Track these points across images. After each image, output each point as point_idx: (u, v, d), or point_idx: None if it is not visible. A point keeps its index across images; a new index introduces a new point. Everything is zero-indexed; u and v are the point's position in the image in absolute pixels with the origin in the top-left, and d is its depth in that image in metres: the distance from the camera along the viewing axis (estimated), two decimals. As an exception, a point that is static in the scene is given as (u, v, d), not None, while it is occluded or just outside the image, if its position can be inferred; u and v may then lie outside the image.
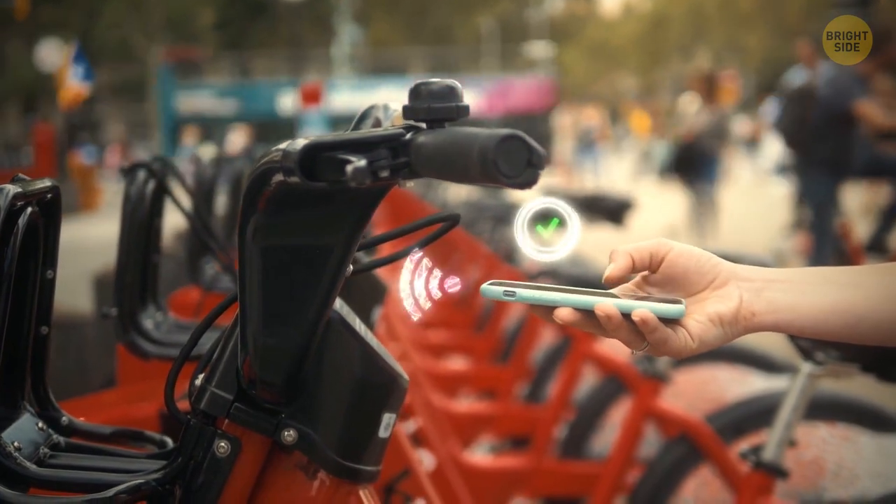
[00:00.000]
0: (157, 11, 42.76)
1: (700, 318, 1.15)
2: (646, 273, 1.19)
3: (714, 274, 1.17)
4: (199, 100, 37.29)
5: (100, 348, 5.04)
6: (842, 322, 1.14)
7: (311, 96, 23.24)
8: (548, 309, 1.16)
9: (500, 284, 1.17)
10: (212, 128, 31.81)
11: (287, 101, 34.26)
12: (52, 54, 22.79)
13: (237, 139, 23.36)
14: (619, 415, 3.51)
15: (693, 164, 11.30)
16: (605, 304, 1.13)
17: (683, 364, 3.40)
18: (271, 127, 33.18)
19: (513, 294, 1.16)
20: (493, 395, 4.74)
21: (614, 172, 28.78)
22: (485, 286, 1.17)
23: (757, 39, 46.59)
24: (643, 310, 1.12)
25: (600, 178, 25.54)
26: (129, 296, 2.11)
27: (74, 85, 21.18)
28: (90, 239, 10.44)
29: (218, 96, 38.09)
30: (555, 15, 58.69)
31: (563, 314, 1.14)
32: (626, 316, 1.13)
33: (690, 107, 13.82)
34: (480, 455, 4.33)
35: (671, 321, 1.14)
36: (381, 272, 2.21)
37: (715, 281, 1.17)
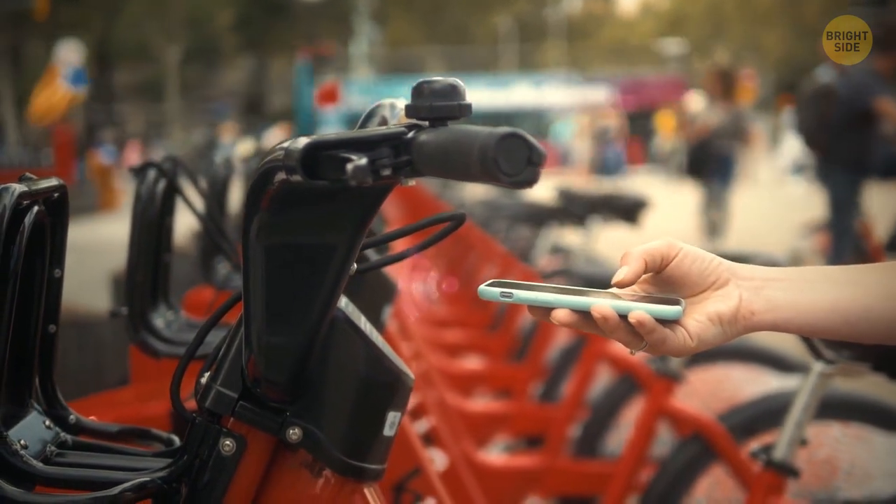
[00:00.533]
0: (175, 12, 42.87)
1: (699, 317, 1.14)
2: (648, 274, 1.19)
3: (716, 275, 1.16)
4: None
5: (117, 347, 5.06)
6: (841, 320, 1.13)
7: (328, 96, 23.25)
8: (546, 310, 1.15)
9: (498, 285, 1.17)
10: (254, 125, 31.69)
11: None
12: (71, 54, 22.70)
13: (275, 137, 23.33)
14: (633, 414, 3.51)
15: (707, 164, 11.11)
16: (601, 306, 1.12)
17: (697, 363, 3.40)
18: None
19: (510, 295, 1.16)
20: (509, 394, 4.75)
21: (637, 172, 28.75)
22: (482, 287, 1.17)
23: (775, 38, 46.45)
24: (640, 311, 1.11)
25: (617, 179, 25.49)
26: (140, 295, 2.12)
27: (67, 89, 20.32)
28: (108, 238, 10.46)
29: (358, 93, 38.06)
30: (573, 14, 58.64)
31: (560, 315, 1.14)
32: (624, 317, 1.13)
33: (695, 105, 13.71)
34: (494, 454, 4.33)
35: (669, 321, 1.13)
36: (395, 272, 2.21)
37: (716, 282, 1.16)
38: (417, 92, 1.11)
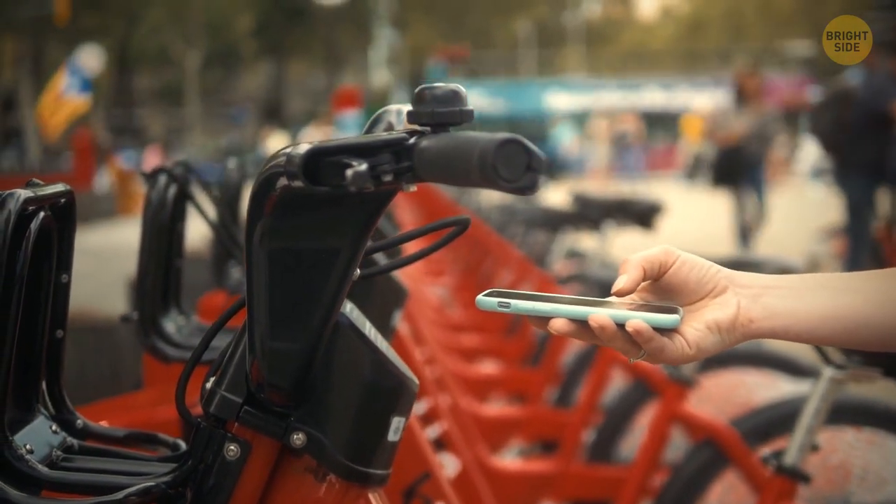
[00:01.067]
0: (195, 17, 43.02)
1: (697, 325, 1.14)
2: (647, 282, 1.19)
3: (714, 283, 1.16)
4: (470, 99, 37.36)
5: (134, 351, 5.08)
6: (840, 327, 1.13)
7: (348, 100, 23.27)
8: (544, 319, 1.15)
9: (496, 295, 1.16)
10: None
11: (554, 101, 34.46)
12: (92, 60, 22.60)
13: (313, 136, 23.05)
14: (646, 419, 3.50)
15: (737, 171, 10.70)
16: (598, 316, 1.12)
17: (711, 368, 3.39)
18: (535, 126, 33.53)
19: (507, 305, 1.15)
20: (524, 398, 4.75)
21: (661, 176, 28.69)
22: (480, 297, 1.17)
23: (796, 41, 46.25)
24: (637, 321, 1.11)
25: (637, 183, 25.41)
26: (151, 300, 2.12)
27: (71, 98, 19.77)
28: (128, 243, 10.50)
29: (489, 95, 38.06)
30: (592, 19, 58.55)
31: (558, 325, 1.14)
32: (621, 326, 1.12)
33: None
34: (509, 459, 4.33)
35: (667, 329, 1.13)
36: (407, 277, 2.21)
37: (714, 290, 1.16)
38: (419, 98, 1.11)
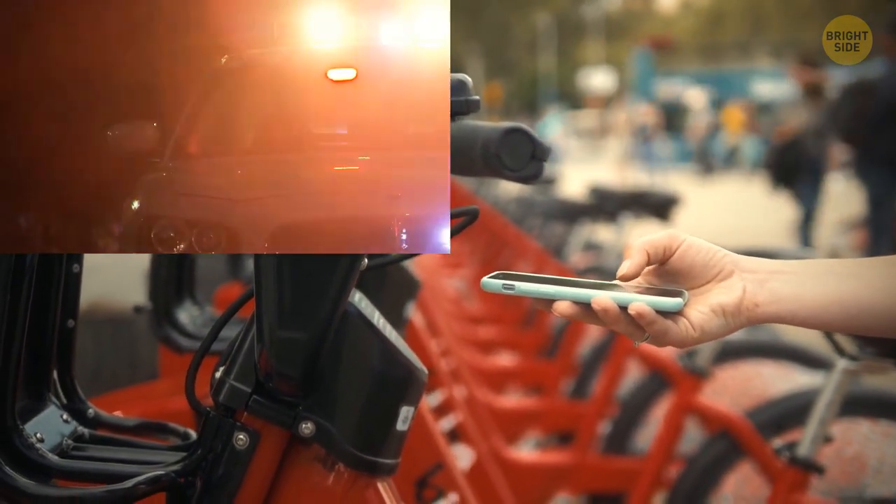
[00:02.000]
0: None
1: (702, 308, 1.14)
2: (652, 266, 1.19)
3: (720, 267, 1.16)
4: (676, 86, 36.91)
5: (151, 342, 5.08)
6: (844, 313, 1.13)
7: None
8: (549, 302, 1.15)
9: (501, 277, 1.16)
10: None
11: (762, 89, 34.28)
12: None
13: None
14: (662, 411, 3.50)
15: (795, 167, 9.71)
16: (601, 298, 1.12)
17: (727, 360, 3.38)
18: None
19: (511, 287, 1.15)
20: (540, 390, 4.75)
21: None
22: (485, 279, 1.16)
23: (816, 34, 46.07)
24: (639, 304, 1.11)
25: (655, 176, 25.31)
26: (164, 290, 2.13)
27: None
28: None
29: (694, 83, 37.74)
30: (611, 11, 58.36)
31: (562, 307, 1.13)
32: (625, 308, 1.12)
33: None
34: (525, 451, 4.33)
35: (671, 312, 1.13)
36: (421, 270, 2.21)
37: (720, 274, 1.16)
38: (425, 88, 1.11)
